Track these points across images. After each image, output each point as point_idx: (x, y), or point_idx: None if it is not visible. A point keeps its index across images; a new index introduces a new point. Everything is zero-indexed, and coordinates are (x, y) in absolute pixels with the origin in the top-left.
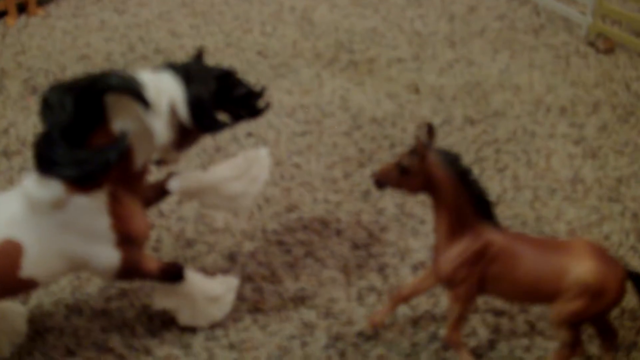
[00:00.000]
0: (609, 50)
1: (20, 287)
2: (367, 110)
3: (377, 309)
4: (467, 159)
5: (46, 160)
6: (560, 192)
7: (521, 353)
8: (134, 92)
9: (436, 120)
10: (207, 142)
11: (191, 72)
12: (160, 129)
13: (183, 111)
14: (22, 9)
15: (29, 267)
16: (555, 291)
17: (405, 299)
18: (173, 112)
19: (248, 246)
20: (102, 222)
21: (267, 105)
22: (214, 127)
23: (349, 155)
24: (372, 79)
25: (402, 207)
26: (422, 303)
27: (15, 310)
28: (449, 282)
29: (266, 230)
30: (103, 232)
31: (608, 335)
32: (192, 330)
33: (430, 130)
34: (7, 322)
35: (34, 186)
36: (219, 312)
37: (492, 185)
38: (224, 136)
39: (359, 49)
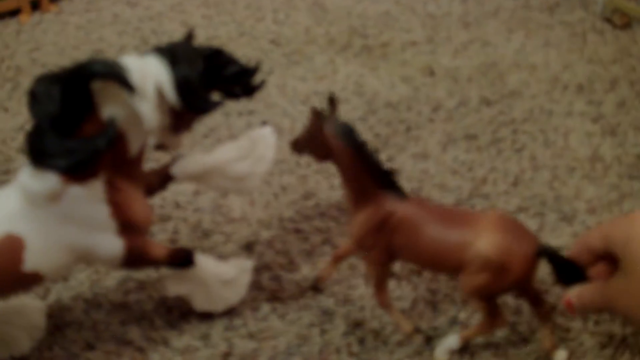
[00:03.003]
0: (626, 26)
1: (24, 281)
2: (382, 95)
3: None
4: (484, 140)
5: (38, 153)
6: (579, 171)
7: (540, 335)
8: (118, 77)
9: (452, 102)
10: (222, 132)
11: (177, 53)
12: (148, 112)
13: (170, 93)
14: (35, 6)
15: (32, 261)
16: (458, 264)
17: (341, 257)
18: (161, 94)
19: (265, 235)
20: (101, 211)
21: (263, 82)
22: (204, 107)
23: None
24: (386, 64)
25: (419, 191)
26: (442, 287)
27: (34, 305)
28: (359, 248)
29: (283, 219)
30: (103, 221)
31: (537, 307)
32: (210, 320)
33: (333, 101)
34: (25, 317)
35: (29, 179)
36: (234, 295)
37: (510, 166)
38: (238, 125)
39: (372, 34)
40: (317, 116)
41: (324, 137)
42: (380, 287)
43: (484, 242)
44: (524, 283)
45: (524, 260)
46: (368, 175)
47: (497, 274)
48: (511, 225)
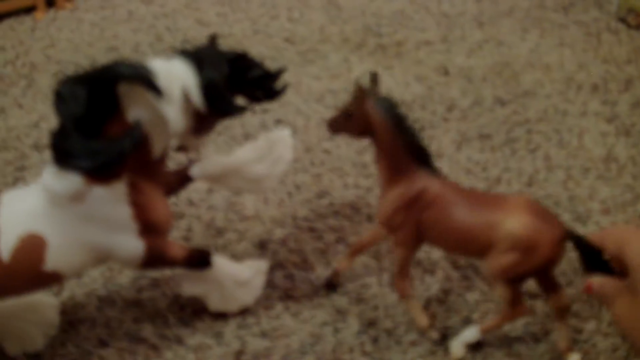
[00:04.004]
0: None
1: (45, 280)
2: (396, 94)
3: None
4: (498, 140)
5: (62, 153)
6: (594, 171)
7: (556, 336)
8: (145, 80)
9: (466, 102)
10: (236, 130)
11: (203, 56)
12: (174, 116)
13: (196, 97)
14: (50, 3)
15: (52, 261)
16: (487, 243)
17: (362, 249)
18: (186, 98)
19: (279, 233)
20: (123, 212)
21: (285, 86)
22: (230, 111)
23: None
24: (400, 62)
25: None
26: (455, 287)
27: (47, 302)
28: (388, 226)
29: (297, 217)
30: (125, 223)
31: (554, 298)
32: (223, 318)
33: (375, 77)
34: (39, 314)
35: (53, 179)
36: (249, 296)
37: (524, 165)
38: (252, 123)
39: (386, 33)
40: (361, 91)
41: (365, 112)
42: (402, 273)
43: (515, 221)
44: (549, 266)
45: (552, 241)
46: (405, 150)
47: (526, 253)
48: (540, 208)
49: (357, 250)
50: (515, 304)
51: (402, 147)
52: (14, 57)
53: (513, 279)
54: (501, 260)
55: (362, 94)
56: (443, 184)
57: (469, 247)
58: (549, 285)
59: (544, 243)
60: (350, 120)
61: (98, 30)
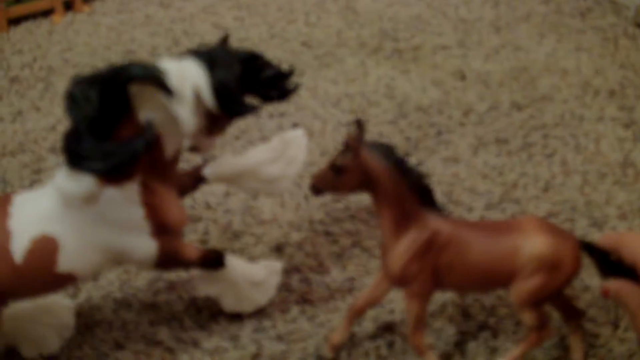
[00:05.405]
0: None
1: (58, 282)
2: (413, 98)
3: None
4: (514, 145)
5: (75, 155)
6: (610, 176)
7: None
8: (157, 80)
9: (483, 106)
10: (253, 134)
11: (215, 57)
12: (186, 116)
13: (208, 97)
14: (68, 6)
15: (65, 262)
16: (511, 271)
17: (360, 311)
18: (198, 98)
19: (295, 237)
20: (136, 213)
21: (297, 86)
22: (241, 110)
23: (395, 144)
24: (417, 67)
25: (450, 195)
26: None
27: (63, 304)
28: (402, 280)
29: (313, 221)
30: (138, 223)
31: (573, 314)
32: (240, 322)
33: (360, 125)
34: (54, 316)
35: (65, 181)
36: (263, 296)
37: (541, 171)
38: (269, 127)
39: (403, 37)
40: (355, 141)
41: (362, 163)
42: (418, 326)
43: (535, 243)
44: (571, 280)
45: (573, 255)
46: (411, 194)
47: (551, 272)
48: (550, 226)
49: (357, 314)
50: (542, 327)
51: (407, 191)
52: (32, 60)
53: (541, 302)
54: (528, 284)
55: (357, 145)
56: (452, 221)
57: (492, 280)
58: (566, 306)
59: (566, 258)
60: (343, 175)
61: (115, 34)
